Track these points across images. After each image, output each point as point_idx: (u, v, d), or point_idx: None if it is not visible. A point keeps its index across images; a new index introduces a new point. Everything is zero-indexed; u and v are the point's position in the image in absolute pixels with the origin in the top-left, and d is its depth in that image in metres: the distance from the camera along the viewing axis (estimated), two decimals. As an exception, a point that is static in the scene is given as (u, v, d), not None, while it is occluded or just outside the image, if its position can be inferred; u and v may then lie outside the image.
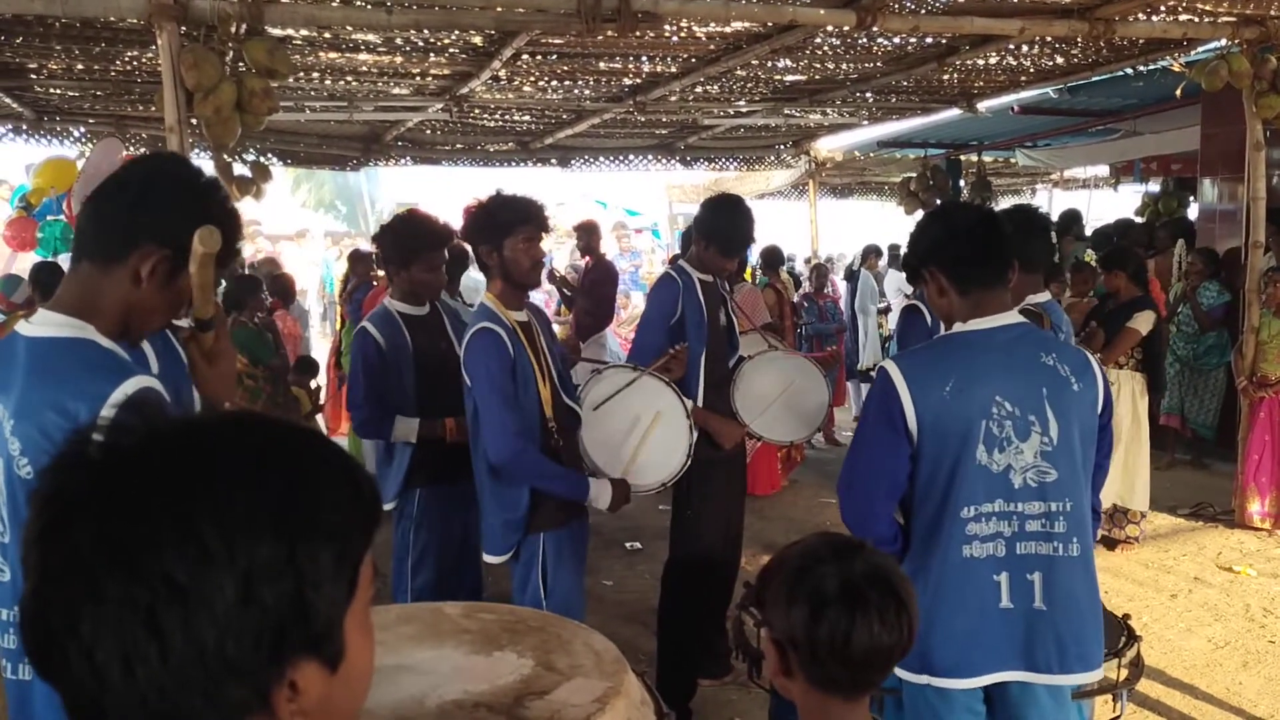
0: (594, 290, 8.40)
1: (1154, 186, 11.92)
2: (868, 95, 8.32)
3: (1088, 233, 10.64)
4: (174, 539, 0.71)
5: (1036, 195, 16.01)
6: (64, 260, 6.47)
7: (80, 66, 6.44)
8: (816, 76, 7.50)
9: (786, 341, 6.70)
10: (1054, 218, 10.03)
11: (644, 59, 6.69)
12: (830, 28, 5.57)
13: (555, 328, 4.68)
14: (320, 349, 10.90)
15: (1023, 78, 7.67)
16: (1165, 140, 9.76)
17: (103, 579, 0.70)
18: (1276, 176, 7.76)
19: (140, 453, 0.75)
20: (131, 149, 8.27)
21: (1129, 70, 7.28)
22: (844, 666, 1.40)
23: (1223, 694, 4.13)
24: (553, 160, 10.62)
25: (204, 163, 5.83)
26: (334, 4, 5.02)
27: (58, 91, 7.42)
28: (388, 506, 3.60)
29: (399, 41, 6.04)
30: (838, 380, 9.45)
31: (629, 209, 17.66)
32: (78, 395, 1.59)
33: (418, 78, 7.07)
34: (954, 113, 8.81)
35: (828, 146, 11.48)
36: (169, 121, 4.31)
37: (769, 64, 6.91)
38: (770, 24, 5.61)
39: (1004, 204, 12.73)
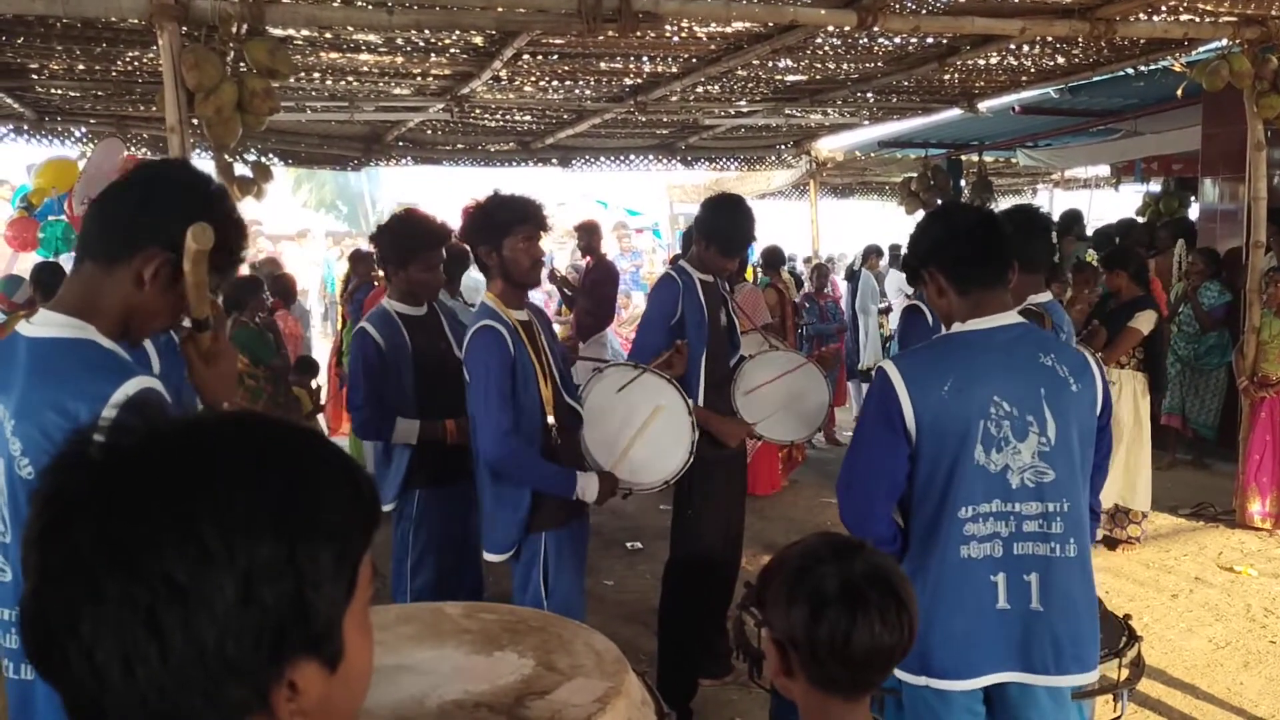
0: (595, 290, 8.40)
1: (1155, 186, 11.91)
2: (869, 95, 8.32)
3: (1089, 233, 10.64)
4: (174, 539, 0.71)
5: (1037, 195, 16.01)
6: (65, 260, 6.48)
7: (81, 67, 6.44)
8: (817, 76, 7.50)
9: (788, 341, 6.70)
10: (1055, 218, 10.02)
11: (645, 59, 6.69)
12: (831, 28, 5.57)
13: (556, 327, 4.68)
14: (321, 349, 10.90)
15: (1024, 78, 7.67)
16: (1166, 140, 9.75)
17: (103, 579, 0.70)
18: (1277, 176, 7.76)
19: (140, 453, 0.75)
20: (133, 149, 8.28)
21: (1130, 70, 7.28)
22: (844, 666, 1.41)
23: (1223, 694, 4.13)
24: (553, 160, 10.63)
25: (205, 163, 5.85)
26: (335, 4, 5.02)
27: (59, 92, 7.42)
28: (387, 508, 3.59)
29: (400, 42, 6.04)
30: (838, 380, 9.46)
31: (630, 209, 17.65)
32: (78, 395, 1.60)
33: (419, 78, 7.07)
34: (955, 113, 8.81)
35: (828, 146, 11.49)
36: (170, 122, 4.31)
37: (770, 64, 6.91)
38: (771, 24, 5.61)
39: (1005, 204, 12.73)
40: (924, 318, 3.40)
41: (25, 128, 8.19)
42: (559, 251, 15.28)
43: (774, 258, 8.95)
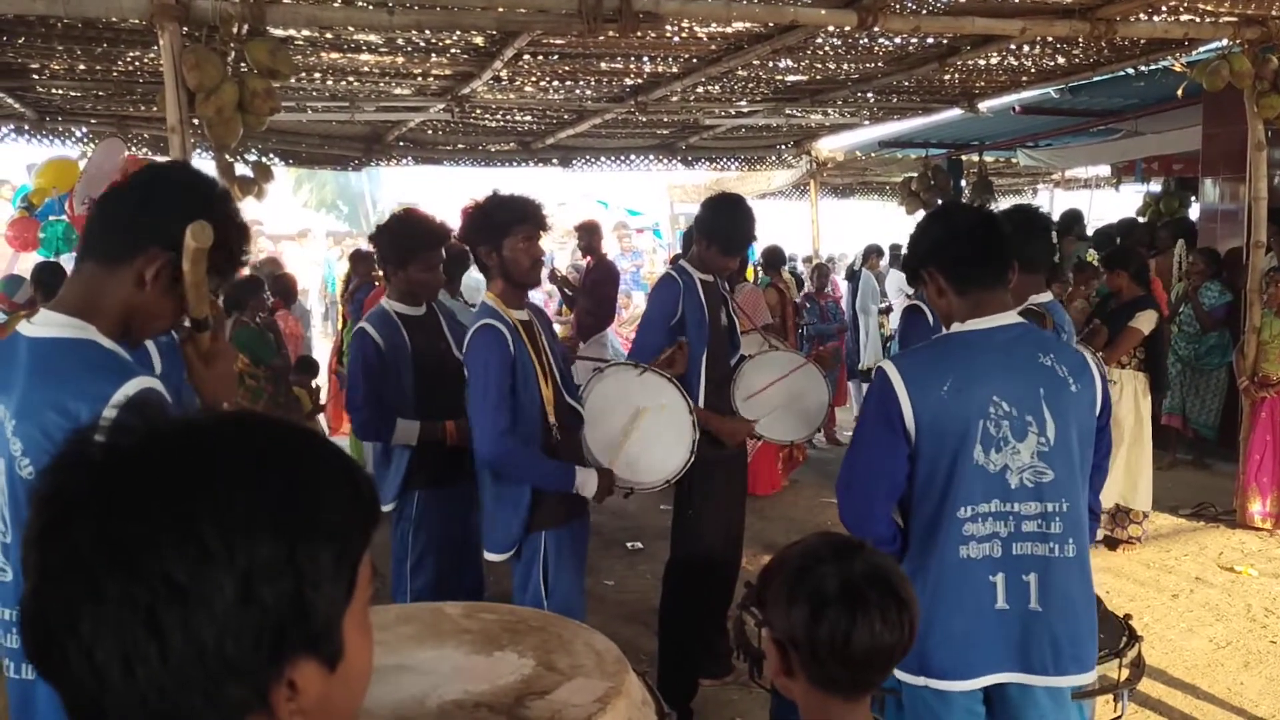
0: (595, 290, 8.40)
1: (1155, 186, 11.91)
2: (869, 95, 8.32)
3: (1089, 233, 10.64)
4: (174, 539, 0.71)
5: (1038, 195, 16.01)
6: (66, 260, 6.48)
7: (82, 67, 6.44)
8: (818, 77, 7.50)
9: (788, 341, 6.71)
10: (1055, 218, 10.02)
11: (645, 59, 6.69)
12: (831, 28, 5.57)
13: (556, 327, 4.68)
14: (322, 349, 10.90)
15: (1024, 78, 7.67)
16: (1167, 140, 9.75)
17: (103, 579, 0.70)
18: (1278, 176, 7.75)
19: (140, 453, 0.75)
20: (134, 149, 8.28)
21: (1130, 70, 7.27)
22: (845, 666, 1.41)
23: (1224, 694, 4.13)
24: (554, 160, 10.63)
25: (206, 163, 5.86)
26: (336, 4, 5.03)
27: (60, 92, 7.43)
28: (386, 508, 3.58)
29: (400, 42, 6.04)
30: (839, 380, 9.46)
31: (630, 209, 17.65)
32: (79, 395, 1.60)
33: (419, 78, 7.07)
34: (955, 113, 8.81)
35: (829, 146, 11.49)
36: (171, 122, 4.31)
37: (770, 64, 6.91)
38: (771, 24, 5.61)
39: (1005, 204, 12.72)
40: (925, 318, 3.40)
41: (26, 128, 8.20)
42: (559, 251, 15.28)
43: (775, 258, 8.95)
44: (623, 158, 11.06)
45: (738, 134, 10.50)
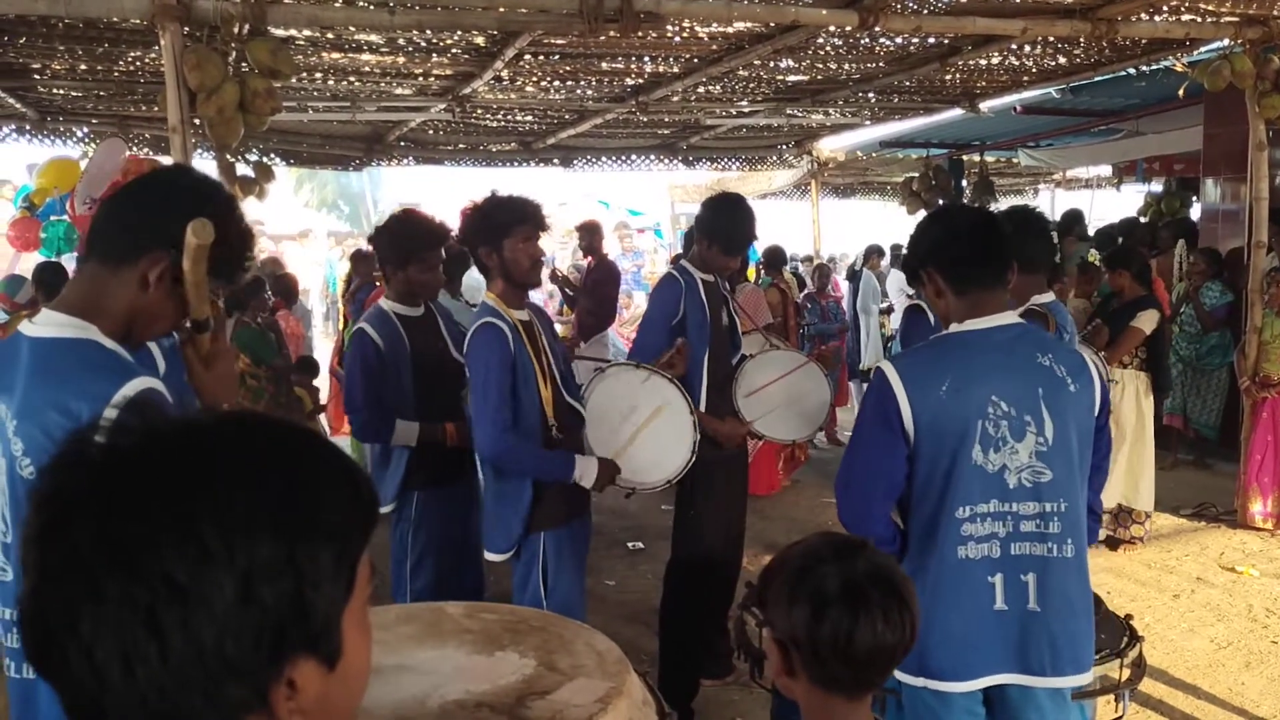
0: (596, 290, 8.40)
1: (1156, 186, 11.91)
2: (870, 95, 8.32)
3: (1090, 233, 10.64)
4: (174, 539, 0.71)
5: (1039, 195, 16.01)
6: (68, 260, 6.48)
7: (83, 67, 6.45)
8: (819, 76, 7.50)
9: (790, 341, 6.70)
10: (1056, 218, 10.03)
11: (646, 59, 6.69)
12: (832, 28, 5.57)
13: (557, 327, 4.68)
14: (323, 349, 10.91)
15: (1025, 78, 7.67)
16: (1168, 140, 9.75)
17: (102, 579, 0.70)
18: (1279, 176, 7.75)
19: (140, 453, 0.75)
20: (135, 149, 8.28)
21: (1131, 70, 7.27)
22: (846, 666, 1.41)
23: (1225, 694, 4.13)
24: (555, 160, 10.63)
25: (207, 163, 5.85)
26: (337, 4, 5.03)
27: (61, 92, 7.43)
28: (386, 509, 3.57)
29: (401, 42, 6.05)
30: (840, 379, 9.45)
31: (631, 209, 17.65)
32: (80, 395, 1.60)
33: (420, 78, 7.08)
34: (956, 113, 8.81)
35: (830, 146, 11.49)
36: (172, 122, 4.32)
37: (771, 64, 6.91)
38: (772, 24, 5.61)
39: (1007, 204, 12.72)
40: (926, 317, 3.40)
41: (27, 128, 8.20)
42: (560, 251, 15.27)
43: (776, 258, 8.95)
44: (624, 158, 11.07)
45: (739, 134, 10.50)
